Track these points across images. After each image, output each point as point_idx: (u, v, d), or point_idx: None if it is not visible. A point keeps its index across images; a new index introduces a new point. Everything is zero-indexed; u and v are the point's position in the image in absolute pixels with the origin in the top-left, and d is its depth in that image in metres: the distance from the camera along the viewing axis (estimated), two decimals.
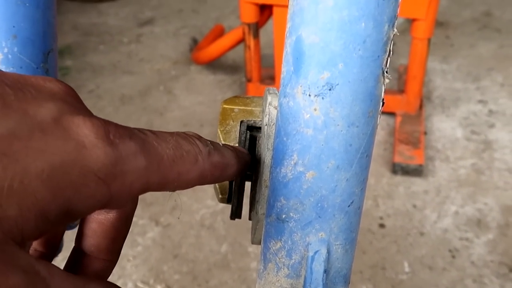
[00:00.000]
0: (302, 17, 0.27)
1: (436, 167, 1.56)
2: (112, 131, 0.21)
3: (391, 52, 0.28)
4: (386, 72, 0.28)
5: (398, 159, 1.53)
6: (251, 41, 1.68)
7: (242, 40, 1.75)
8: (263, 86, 1.79)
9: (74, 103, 0.21)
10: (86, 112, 0.21)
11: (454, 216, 1.39)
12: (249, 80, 1.79)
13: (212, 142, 0.27)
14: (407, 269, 1.25)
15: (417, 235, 1.34)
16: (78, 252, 0.27)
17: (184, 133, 0.25)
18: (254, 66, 1.74)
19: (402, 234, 1.35)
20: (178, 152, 0.24)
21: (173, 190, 0.25)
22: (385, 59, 0.27)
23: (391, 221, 1.39)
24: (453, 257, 1.28)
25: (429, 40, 1.57)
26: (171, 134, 0.24)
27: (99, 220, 0.26)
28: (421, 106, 1.75)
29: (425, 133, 1.69)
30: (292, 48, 0.28)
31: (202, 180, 0.25)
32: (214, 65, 2.12)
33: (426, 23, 1.51)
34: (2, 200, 0.17)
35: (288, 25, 0.28)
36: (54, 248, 0.29)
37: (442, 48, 2.21)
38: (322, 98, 0.27)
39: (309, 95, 0.27)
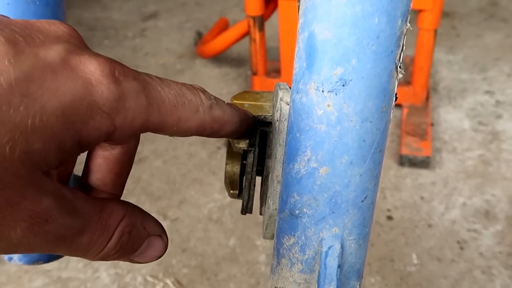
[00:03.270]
0: (315, 13, 0.27)
1: (443, 159, 1.56)
2: (117, 69, 0.23)
3: (404, 47, 0.28)
4: (400, 67, 0.28)
5: (405, 151, 1.53)
6: (256, 34, 1.67)
7: (247, 33, 1.75)
8: (269, 79, 1.78)
9: (78, 44, 0.23)
10: (90, 51, 0.23)
11: (462, 208, 1.39)
12: (254, 74, 1.78)
13: (216, 98, 0.28)
14: (415, 261, 1.25)
15: (425, 227, 1.34)
16: (84, 187, 0.29)
17: (190, 84, 0.27)
18: (259, 59, 1.73)
19: (410, 226, 1.35)
20: (180, 99, 0.25)
21: (172, 135, 0.26)
22: (398, 54, 0.27)
23: (398, 213, 1.38)
24: (462, 248, 1.28)
25: (435, 31, 1.55)
26: (177, 83, 0.26)
27: (105, 156, 0.28)
28: (427, 98, 1.74)
29: (432, 124, 1.69)
30: (305, 44, 0.28)
31: (201, 131, 0.27)
32: (219, 58, 2.11)
33: (432, 13, 1.50)
34: (28, 136, 0.19)
35: (301, 21, 0.28)
36: (66, 180, 0.30)
37: (448, 39, 2.20)
38: (336, 94, 0.27)
39: (322, 91, 0.27)
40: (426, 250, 1.28)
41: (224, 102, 0.29)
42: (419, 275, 1.22)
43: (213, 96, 0.28)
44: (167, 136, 0.26)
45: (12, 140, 0.19)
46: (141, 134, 0.28)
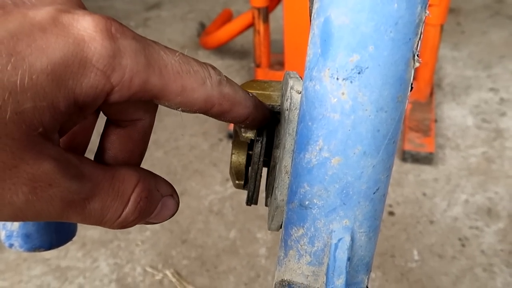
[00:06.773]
0: None
1: (446, 155, 1.55)
2: (115, 26, 0.22)
3: (422, 35, 0.27)
4: (417, 55, 0.27)
5: (408, 146, 1.52)
6: (261, 26, 1.66)
7: (251, 25, 1.74)
8: (272, 71, 1.77)
9: (74, 5, 0.23)
10: (86, 11, 0.23)
11: (464, 205, 1.38)
12: (258, 66, 1.77)
13: (228, 78, 0.27)
14: (416, 257, 1.25)
15: (427, 223, 1.34)
16: None
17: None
18: (263, 52, 1.72)
19: (411, 222, 1.34)
20: (185, 67, 0.24)
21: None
22: (416, 42, 0.27)
23: (400, 209, 1.38)
24: (463, 245, 1.28)
25: (441, 26, 1.54)
26: (184, 54, 0.25)
27: (118, 132, 0.28)
28: (431, 94, 1.73)
29: (436, 120, 1.68)
30: (320, 30, 0.27)
31: (209, 106, 0.26)
32: (222, 50, 2.10)
33: (439, 8, 1.48)
34: (18, 95, 0.19)
35: (316, 5, 0.27)
36: (82, 152, 0.30)
37: (453, 35, 2.18)
38: (351, 81, 0.26)
39: (337, 78, 0.26)
40: (427, 246, 1.28)
41: (237, 84, 0.28)
42: (420, 271, 1.22)
43: (226, 76, 0.27)
44: (176, 122, 0.25)
45: (2, 101, 0.19)
46: None
